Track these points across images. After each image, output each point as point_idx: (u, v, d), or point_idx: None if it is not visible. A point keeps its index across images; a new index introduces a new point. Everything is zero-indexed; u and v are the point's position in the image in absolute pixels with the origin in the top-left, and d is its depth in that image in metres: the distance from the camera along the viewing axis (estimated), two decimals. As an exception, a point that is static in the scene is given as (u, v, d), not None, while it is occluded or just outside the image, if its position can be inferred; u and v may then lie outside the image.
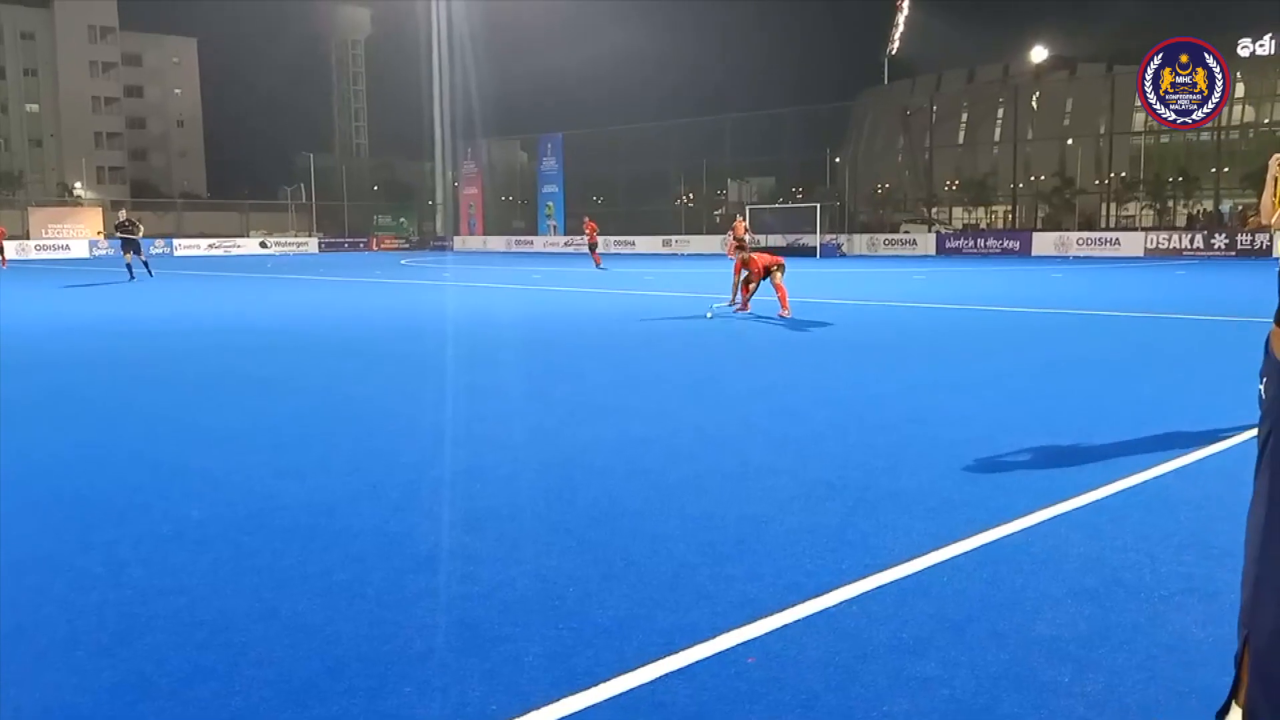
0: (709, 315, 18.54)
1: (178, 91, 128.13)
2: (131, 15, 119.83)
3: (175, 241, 68.88)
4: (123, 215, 35.85)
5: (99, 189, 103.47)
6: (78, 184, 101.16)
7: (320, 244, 76.58)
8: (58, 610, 4.50)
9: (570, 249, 68.16)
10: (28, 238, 62.36)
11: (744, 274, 19.40)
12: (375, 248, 78.21)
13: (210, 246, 70.04)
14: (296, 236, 78.55)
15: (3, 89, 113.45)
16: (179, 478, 6.95)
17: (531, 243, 74.66)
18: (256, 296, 27.38)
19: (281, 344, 15.42)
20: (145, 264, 33.53)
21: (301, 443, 8.15)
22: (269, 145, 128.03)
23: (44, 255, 58.91)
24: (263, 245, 73.12)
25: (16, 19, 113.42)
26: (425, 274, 39.43)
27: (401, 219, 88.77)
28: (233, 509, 6.13)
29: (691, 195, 76.44)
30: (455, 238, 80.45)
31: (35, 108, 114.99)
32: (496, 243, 76.82)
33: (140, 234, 34.25)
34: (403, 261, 53.07)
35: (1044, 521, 5.66)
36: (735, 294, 19.61)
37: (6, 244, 48.23)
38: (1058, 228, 59.30)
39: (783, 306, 18.45)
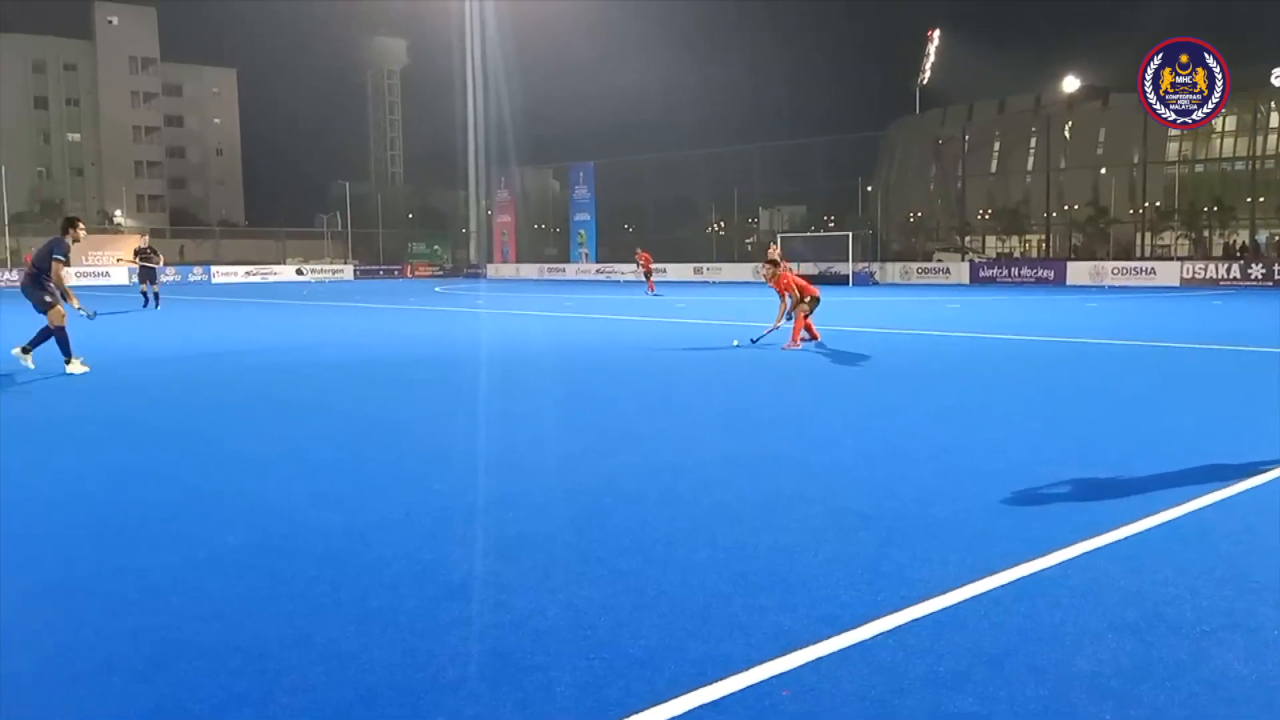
0: (735, 344, 18.30)
1: (217, 121, 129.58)
2: (172, 46, 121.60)
3: (213, 269, 69.54)
4: (144, 242, 35.64)
5: (139, 217, 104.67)
6: (118, 212, 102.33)
7: (356, 271, 77.11)
8: (93, 635, 4.50)
9: (602, 276, 68.40)
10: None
11: (788, 302, 18.42)
12: (410, 275, 78.61)
13: (248, 273, 70.62)
14: (332, 264, 79.06)
15: (45, 118, 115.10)
16: (214, 503, 6.97)
17: (564, 270, 74.92)
18: (292, 323, 27.56)
19: (316, 370, 15.48)
20: (156, 295, 32.66)
21: (335, 468, 8.15)
22: (306, 174, 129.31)
23: (85, 282, 59.43)
24: (299, 273, 73.67)
25: (59, 50, 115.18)
26: (459, 301, 39.59)
27: (436, 246, 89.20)
28: (267, 535, 6.13)
29: (723, 223, 76.53)
30: (489, 265, 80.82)
31: (77, 137, 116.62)
32: (529, 270, 77.14)
33: (160, 263, 34.06)
34: (437, 289, 53.27)
35: (1082, 554, 5.58)
36: (780, 320, 18.68)
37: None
38: (1092, 257, 58.97)
39: (793, 337, 17.77)
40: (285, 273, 73.29)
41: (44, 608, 4.89)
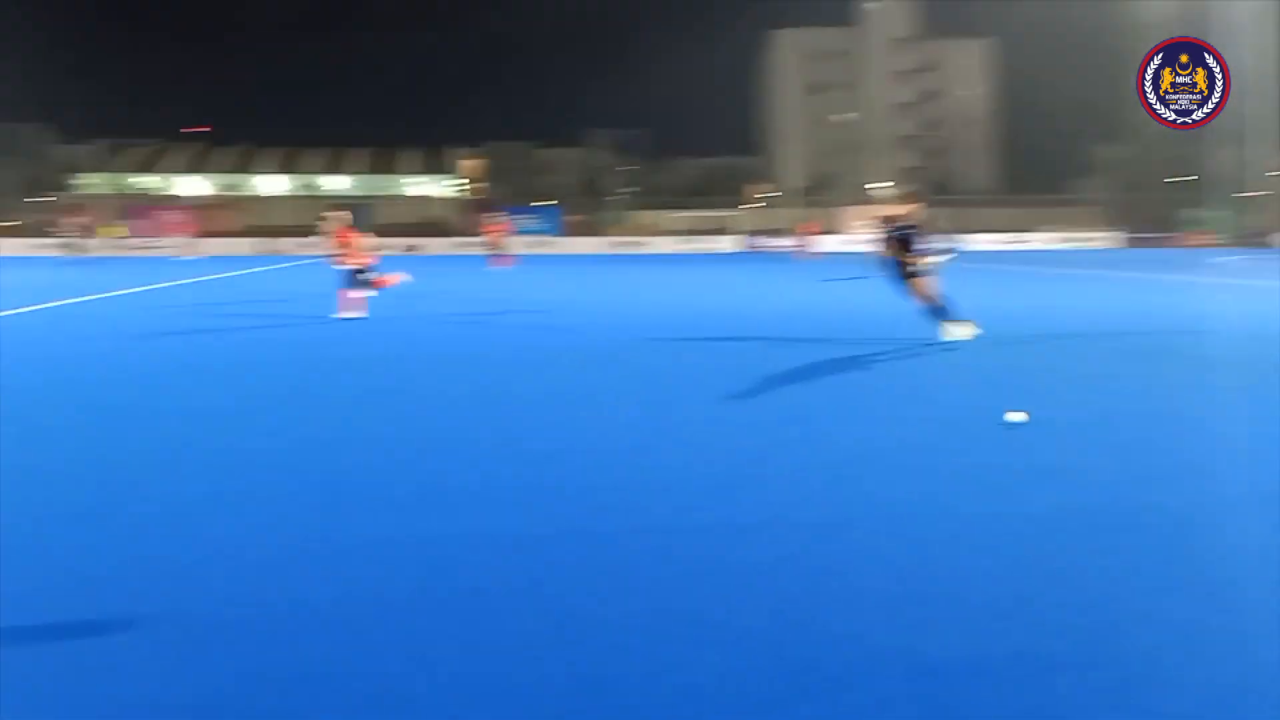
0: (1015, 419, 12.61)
1: (971, 92, 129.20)
2: (930, 21, 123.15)
3: (966, 236, 70.19)
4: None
5: (900, 189, 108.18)
6: (889, 183, 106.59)
7: (1123, 240, 73.27)
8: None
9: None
10: (839, 233, 67.80)
11: None
12: (1183, 244, 72.15)
13: (1006, 241, 70.22)
14: (1090, 231, 75.79)
15: (818, 103, 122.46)
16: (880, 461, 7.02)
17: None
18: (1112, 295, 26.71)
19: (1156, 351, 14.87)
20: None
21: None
22: (1058, 140, 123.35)
23: (852, 249, 62.87)
24: (1057, 241, 71.65)
25: (828, 40, 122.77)
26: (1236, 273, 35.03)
27: (1216, 212, 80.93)
28: (829, 505, 6.05)
29: None
30: (1276, 234, 71.37)
31: (849, 117, 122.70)
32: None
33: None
34: (1217, 260, 45.75)
35: None
36: None
37: (822, 238, 54.04)
38: None
39: None
40: (1036, 240, 72.00)
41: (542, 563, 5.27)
